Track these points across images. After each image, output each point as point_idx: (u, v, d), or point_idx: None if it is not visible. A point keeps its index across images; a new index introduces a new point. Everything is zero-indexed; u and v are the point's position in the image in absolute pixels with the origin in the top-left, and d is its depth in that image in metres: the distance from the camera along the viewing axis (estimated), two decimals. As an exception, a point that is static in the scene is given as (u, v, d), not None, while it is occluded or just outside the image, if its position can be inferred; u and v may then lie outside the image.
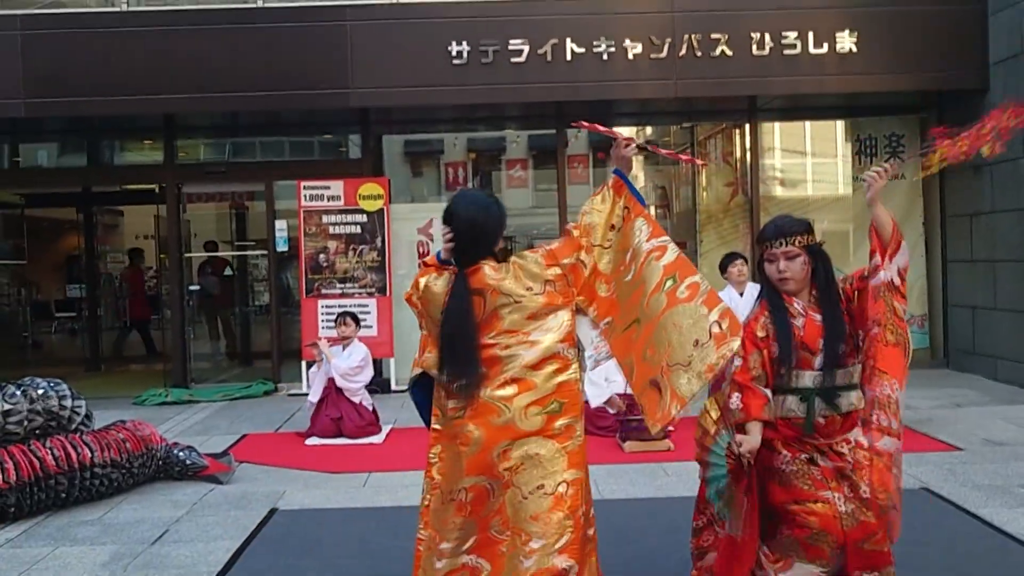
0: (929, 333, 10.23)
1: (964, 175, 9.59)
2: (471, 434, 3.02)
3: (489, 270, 3.10)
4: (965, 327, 9.70)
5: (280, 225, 10.00)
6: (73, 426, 5.70)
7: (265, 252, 10.46)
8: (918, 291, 10.20)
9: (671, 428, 6.87)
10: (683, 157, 3.80)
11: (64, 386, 5.80)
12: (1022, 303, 8.60)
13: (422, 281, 3.16)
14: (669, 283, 3.05)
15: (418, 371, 3.25)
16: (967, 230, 9.56)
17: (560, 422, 3.04)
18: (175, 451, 6.06)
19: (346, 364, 7.36)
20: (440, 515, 3.09)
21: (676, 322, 2.99)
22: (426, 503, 3.15)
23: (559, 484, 2.99)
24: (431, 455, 3.15)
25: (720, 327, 2.94)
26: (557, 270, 3.13)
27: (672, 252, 3.11)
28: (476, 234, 3.12)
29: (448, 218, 3.15)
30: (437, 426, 3.15)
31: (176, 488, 5.85)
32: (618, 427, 6.69)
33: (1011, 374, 8.79)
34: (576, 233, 3.22)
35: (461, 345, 3.03)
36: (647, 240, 3.14)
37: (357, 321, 7.68)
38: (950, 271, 9.99)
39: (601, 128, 3.50)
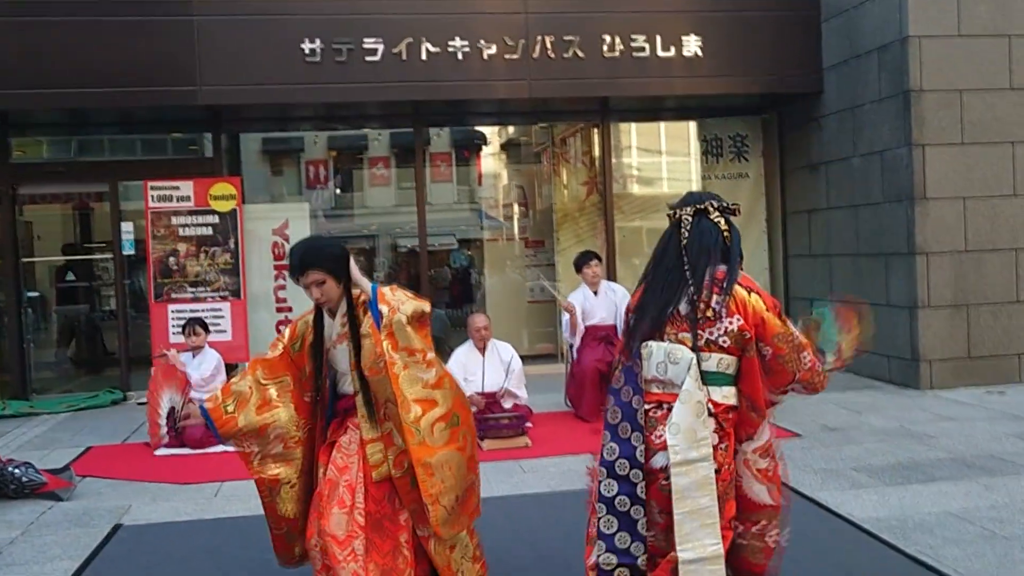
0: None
1: (802, 174, 10.12)
2: None
3: None
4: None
5: (126, 227, 9.58)
6: None
7: (111, 256, 10.01)
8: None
9: (529, 425, 6.99)
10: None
11: None
12: (854, 294, 9.14)
13: None
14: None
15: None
16: (806, 226, 10.10)
17: None
18: (10, 468, 5.72)
19: (198, 374, 7.13)
20: None
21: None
22: None
23: None
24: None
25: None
26: None
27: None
28: None
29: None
30: None
31: (10, 507, 5.53)
32: (476, 426, 6.72)
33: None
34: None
35: None
36: None
37: (207, 328, 7.45)
38: (791, 265, 10.53)
39: None
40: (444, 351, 9.39)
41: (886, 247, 8.60)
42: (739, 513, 3.02)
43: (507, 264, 11.56)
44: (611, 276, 9.60)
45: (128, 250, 9.61)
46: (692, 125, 11.12)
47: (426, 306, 3.42)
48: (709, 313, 2.97)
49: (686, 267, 3.02)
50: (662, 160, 11.59)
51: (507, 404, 7.06)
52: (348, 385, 3.52)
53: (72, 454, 6.95)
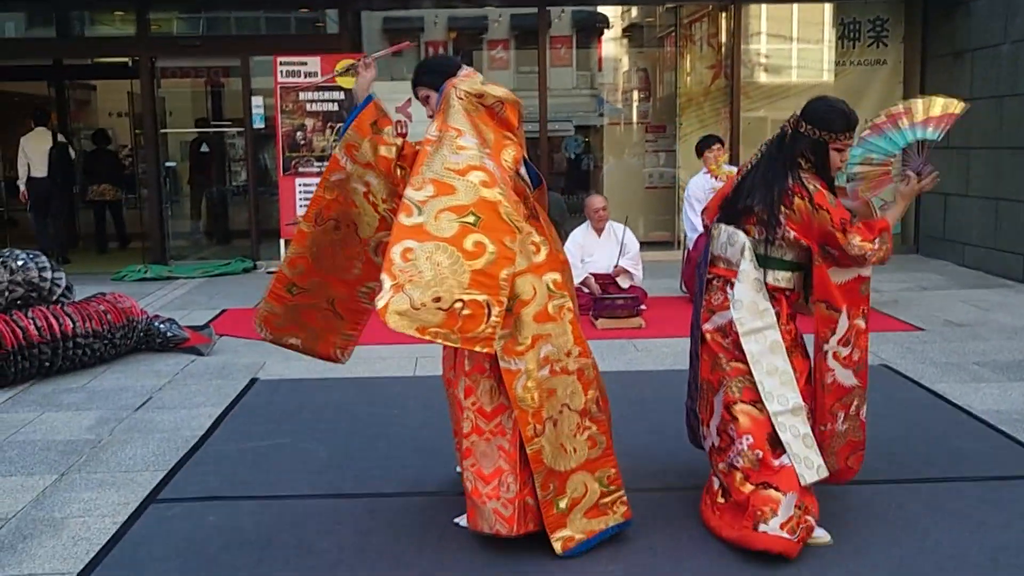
0: (901, 219, 10.36)
1: (945, 62, 9.56)
2: None
3: None
4: (936, 214, 9.85)
5: (256, 102, 9.88)
6: (54, 297, 5.77)
7: (242, 130, 10.36)
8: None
9: (643, 307, 7.05)
10: (394, 48, 3.66)
11: (43, 258, 5.86)
12: (992, 190, 8.73)
13: None
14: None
15: None
16: (945, 117, 9.58)
17: None
18: (156, 323, 6.15)
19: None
20: None
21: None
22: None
23: None
24: None
25: None
26: None
27: None
28: None
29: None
30: None
31: (158, 359, 5.98)
32: (592, 305, 6.84)
33: (977, 260, 8.99)
34: None
35: None
36: None
37: None
38: (926, 158, 10.06)
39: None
40: (561, 235, 9.49)
41: (1031, 140, 8.12)
42: (837, 401, 3.30)
43: (626, 150, 11.43)
44: (735, 163, 9.39)
45: (258, 124, 9.93)
46: (828, 8, 10.58)
47: (505, 94, 3.07)
48: (766, 217, 3.24)
49: (761, 173, 3.30)
50: (793, 47, 11.10)
51: (623, 284, 7.12)
52: None
53: (209, 315, 7.39)
